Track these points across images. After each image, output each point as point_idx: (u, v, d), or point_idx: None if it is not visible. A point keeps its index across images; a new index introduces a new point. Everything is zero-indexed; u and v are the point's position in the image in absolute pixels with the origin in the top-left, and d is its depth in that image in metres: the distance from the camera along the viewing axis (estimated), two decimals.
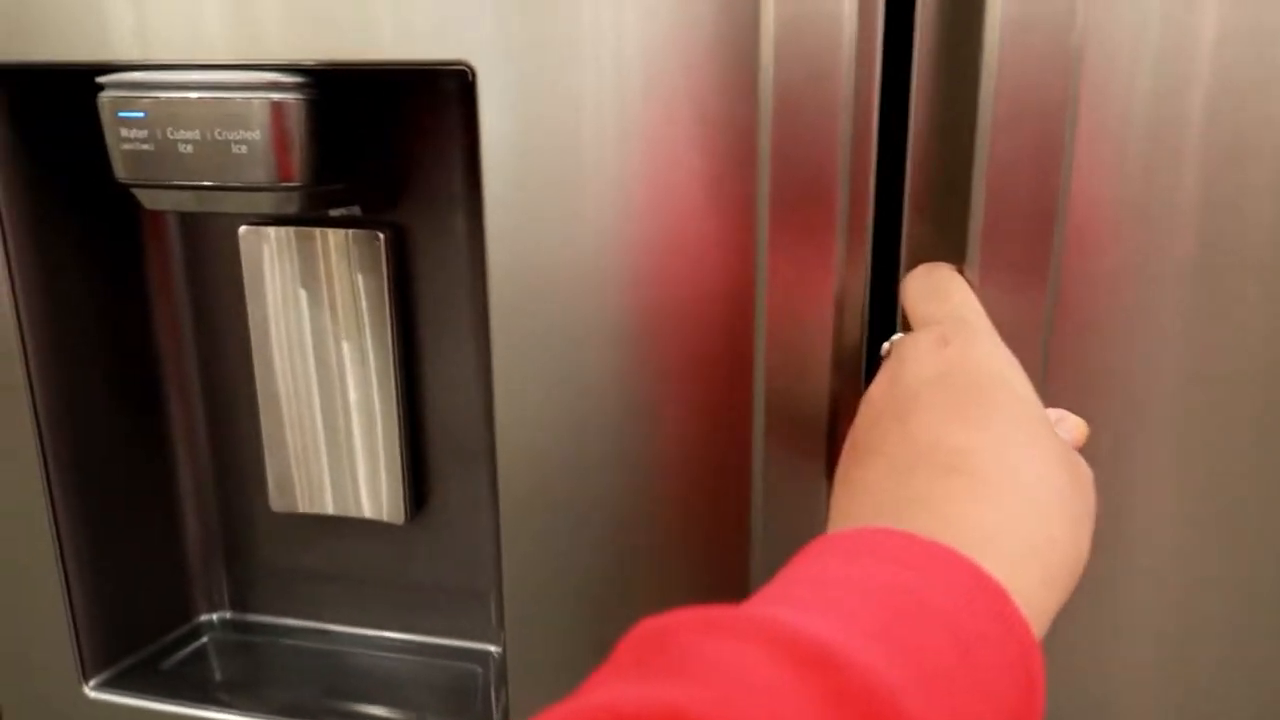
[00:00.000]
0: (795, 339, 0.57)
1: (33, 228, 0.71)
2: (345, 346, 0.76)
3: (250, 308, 0.77)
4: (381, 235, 0.73)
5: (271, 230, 0.75)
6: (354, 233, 0.74)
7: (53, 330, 0.73)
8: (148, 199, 0.64)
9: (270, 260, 0.75)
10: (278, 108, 0.60)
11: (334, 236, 0.74)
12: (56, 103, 0.71)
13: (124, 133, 0.62)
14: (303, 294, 0.76)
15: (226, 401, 0.82)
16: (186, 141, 0.61)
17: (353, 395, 0.77)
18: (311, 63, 0.59)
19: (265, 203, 0.62)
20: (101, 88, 0.63)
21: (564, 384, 0.62)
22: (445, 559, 0.82)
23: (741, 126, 0.54)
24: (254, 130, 0.60)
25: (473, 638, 0.83)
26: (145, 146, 0.62)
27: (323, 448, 0.79)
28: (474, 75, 0.58)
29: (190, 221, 0.78)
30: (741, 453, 0.62)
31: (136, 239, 0.78)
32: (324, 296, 0.75)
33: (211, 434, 0.83)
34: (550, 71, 0.58)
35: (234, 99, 0.60)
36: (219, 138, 0.60)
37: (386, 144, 0.72)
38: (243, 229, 0.75)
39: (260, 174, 0.61)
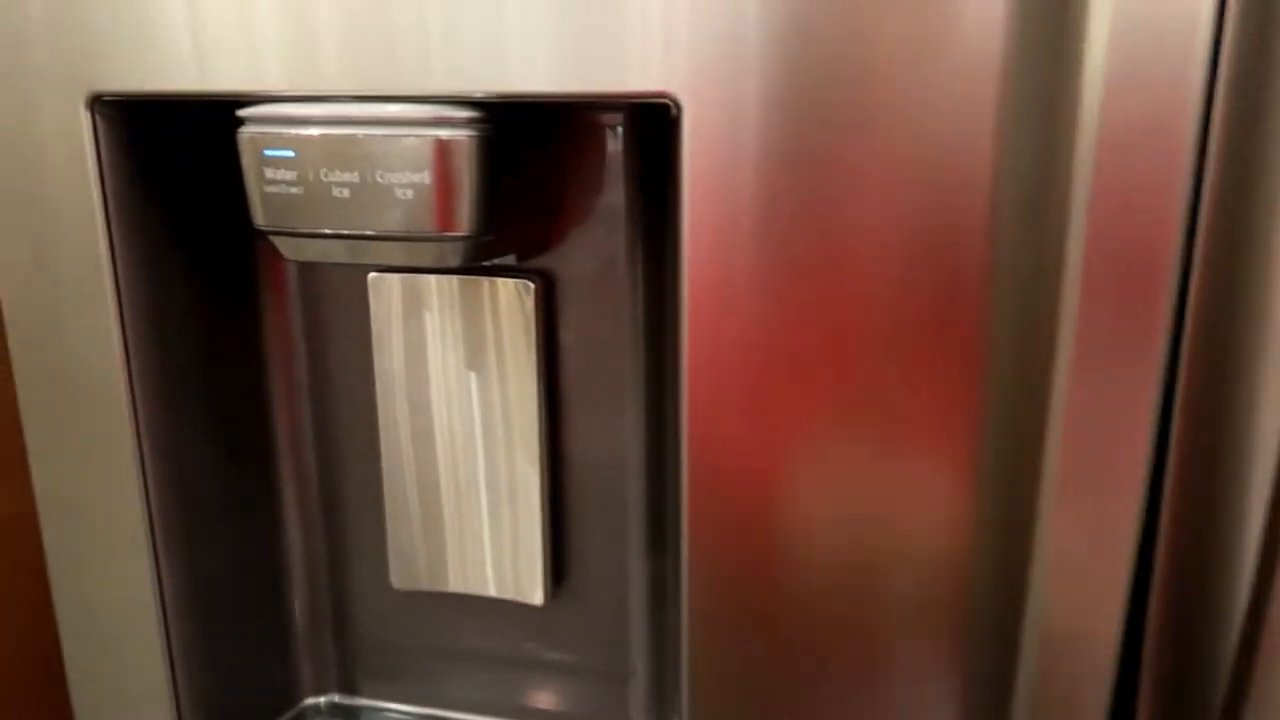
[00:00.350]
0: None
1: (146, 271, 0.63)
2: (484, 406, 0.68)
3: (376, 361, 0.69)
4: (532, 285, 0.65)
5: (403, 277, 0.67)
6: (500, 281, 0.66)
7: (161, 384, 0.65)
8: (290, 248, 0.56)
9: (402, 310, 0.68)
10: (449, 147, 0.52)
11: (477, 285, 0.66)
12: (177, 136, 0.63)
13: (269, 173, 0.54)
14: (438, 348, 0.68)
15: (344, 464, 0.74)
16: (343, 185, 0.53)
17: (491, 461, 0.69)
18: (486, 95, 0.51)
19: (427, 254, 0.55)
20: (241, 121, 0.55)
21: (770, 463, 0.53)
22: (584, 638, 0.74)
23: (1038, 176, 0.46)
24: (422, 172, 0.52)
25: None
26: (293, 190, 0.54)
27: (454, 518, 0.71)
28: (679, 109, 0.50)
29: (311, 264, 0.71)
30: (957, 559, 0.54)
31: (252, 282, 0.70)
32: (462, 351, 0.67)
33: (325, 499, 0.75)
34: (761, 106, 0.50)
35: (402, 136, 0.52)
36: (381, 181, 0.53)
37: (541, 187, 0.64)
38: (372, 275, 0.68)
39: (427, 222, 0.53)
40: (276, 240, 0.57)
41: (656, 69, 0.50)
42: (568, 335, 0.67)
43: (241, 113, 0.55)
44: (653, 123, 0.61)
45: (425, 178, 0.52)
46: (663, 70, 0.50)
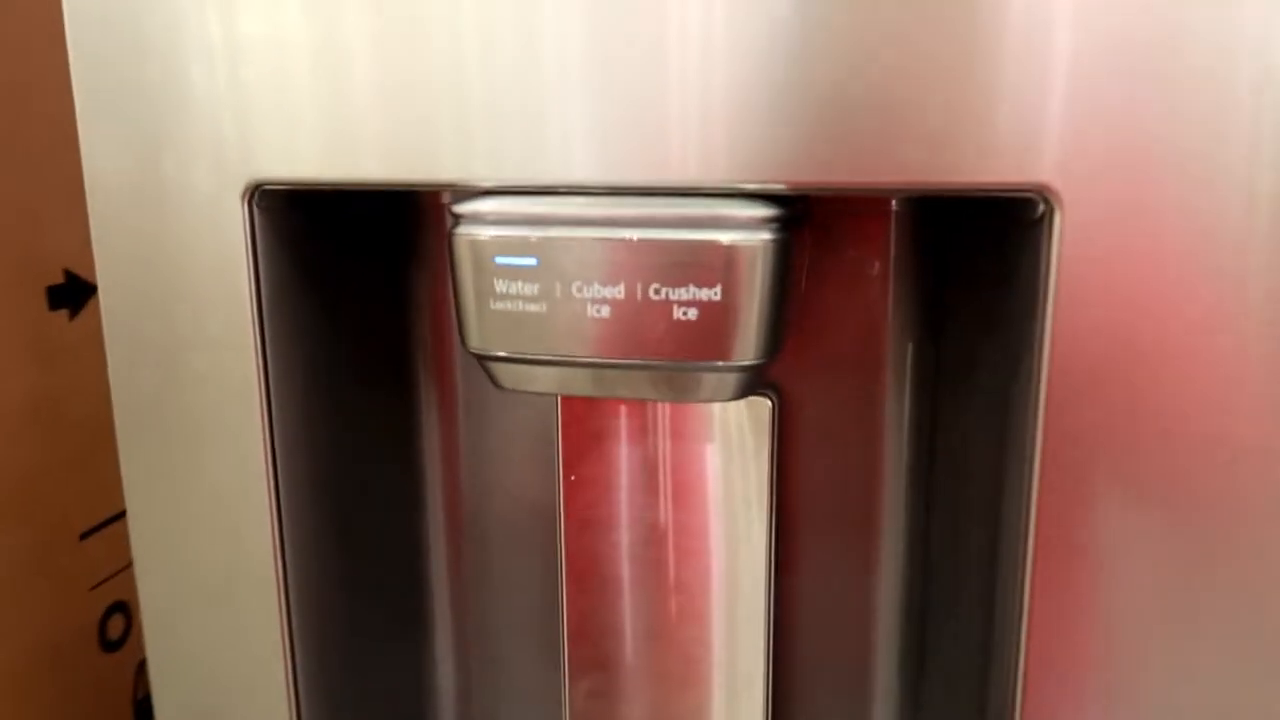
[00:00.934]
0: None
1: (302, 388, 0.51)
2: (696, 550, 0.56)
3: (562, 494, 0.57)
4: (770, 403, 0.54)
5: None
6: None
7: (306, 515, 0.52)
8: (512, 377, 0.45)
9: (598, 435, 0.56)
10: (748, 254, 0.40)
11: (693, 405, 0.55)
12: (342, 231, 0.52)
13: (500, 286, 0.42)
14: (641, 480, 0.56)
15: (506, 613, 0.62)
16: (601, 302, 0.41)
17: (701, 617, 0.57)
18: (801, 187, 0.40)
19: (697, 388, 0.43)
20: (458, 219, 0.43)
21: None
22: None
23: None
24: (714, 287, 0.40)
25: None
26: (532, 307, 0.42)
27: (649, 679, 0.58)
28: (1051, 206, 0.39)
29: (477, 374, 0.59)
30: None
31: (411, 409, 0.58)
32: (670, 484, 0.55)
33: (482, 657, 0.63)
34: (1154, 199, 0.39)
35: (690, 241, 0.40)
36: (655, 297, 0.41)
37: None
38: (565, 396, 0.56)
39: (710, 349, 0.41)
40: (496, 368, 0.45)
41: (1027, 156, 0.39)
42: (808, 460, 0.55)
43: (459, 208, 0.43)
44: (942, 216, 0.50)
45: (716, 293, 0.40)
46: (1035, 158, 0.39)
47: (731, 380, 0.43)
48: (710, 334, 0.41)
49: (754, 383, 0.44)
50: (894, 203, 0.51)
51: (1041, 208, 0.40)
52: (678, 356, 0.42)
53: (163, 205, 0.46)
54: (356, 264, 0.55)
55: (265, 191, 0.46)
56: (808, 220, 0.48)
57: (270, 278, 0.48)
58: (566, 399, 0.55)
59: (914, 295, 0.53)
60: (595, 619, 0.58)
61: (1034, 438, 0.41)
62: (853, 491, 0.55)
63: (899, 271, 0.51)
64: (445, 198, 0.55)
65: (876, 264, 0.52)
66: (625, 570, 0.57)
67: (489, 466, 0.60)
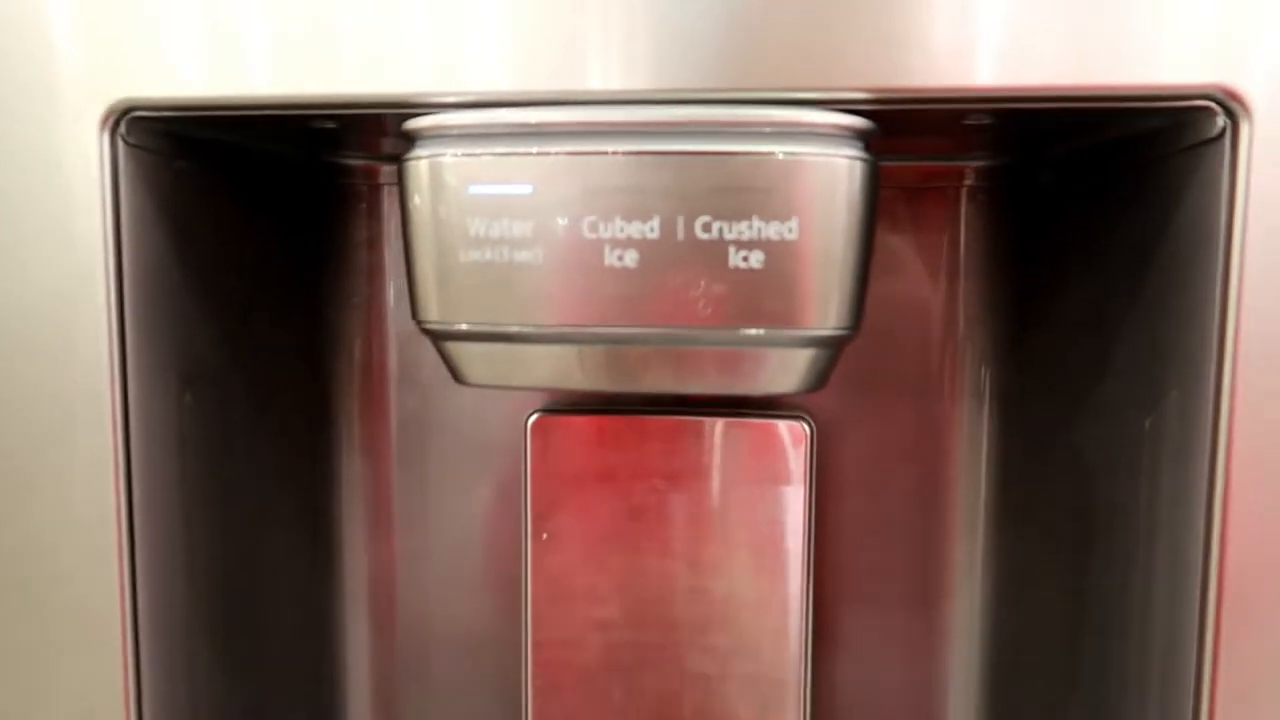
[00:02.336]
0: None
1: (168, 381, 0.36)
2: (708, 618, 0.42)
3: (531, 551, 0.43)
4: (806, 426, 0.41)
5: (591, 421, 0.42)
6: (747, 424, 0.41)
7: (174, 537, 0.37)
8: (483, 364, 0.31)
9: (580, 472, 0.42)
10: (838, 174, 0.28)
11: (708, 429, 0.42)
12: (236, 189, 0.38)
13: (477, 227, 0.29)
14: (637, 528, 0.42)
15: (455, 675, 0.46)
16: (625, 245, 0.29)
17: (711, 709, 0.43)
18: (904, 94, 0.29)
19: (759, 371, 0.30)
20: (413, 139, 0.31)
21: None
22: None
23: None
24: (787, 220, 0.28)
25: None
26: (523, 255, 0.29)
27: None
28: (1237, 116, 0.28)
29: (416, 403, 0.45)
30: None
31: (324, 424, 0.44)
32: (676, 531, 0.42)
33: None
34: None
35: (752, 156, 0.28)
36: (705, 236, 0.28)
37: None
38: (534, 418, 0.42)
39: (786, 308, 0.29)
40: (461, 353, 0.31)
41: (1199, 57, 0.29)
42: (855, 503, 0.43)
43: (415, 125, 0.30)
44: (1032, 181, 0.40)
45: (791, 229, 0.28)
46: (1211, 59, 0.29)
47: (804, 361, 0.30)
48: (781, 288, 0.29)
49: (826, 371, 0.32)
50: (968, 176, 0.41)
51: (1222, 122, 0.29)
52: (735, 322, 0.29)
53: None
54: (258, 250, 0.41)
55: (135, 119, 0.32)
56: None
57: (139, 248, 0.34)
58: (539, 423, 0.41)
59: (993, 296, 0.41)
60: (575, 692, 0.44)
61: (1213, 461, 0.29)
62: (914, 544, 0.42)
63: (972, 266, 0.40)
64: (383, 145, 0.42)
65: (942, 250, 0.40)
66: (611, 659, 0.43)
67: (430, 521, 0.45)
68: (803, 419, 0.41)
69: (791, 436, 0.41)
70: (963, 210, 0.41)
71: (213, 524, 0.38)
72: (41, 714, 0.34)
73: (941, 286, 0.42)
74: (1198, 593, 0.30)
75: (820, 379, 0.32)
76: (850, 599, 0.43)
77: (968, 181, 0.42)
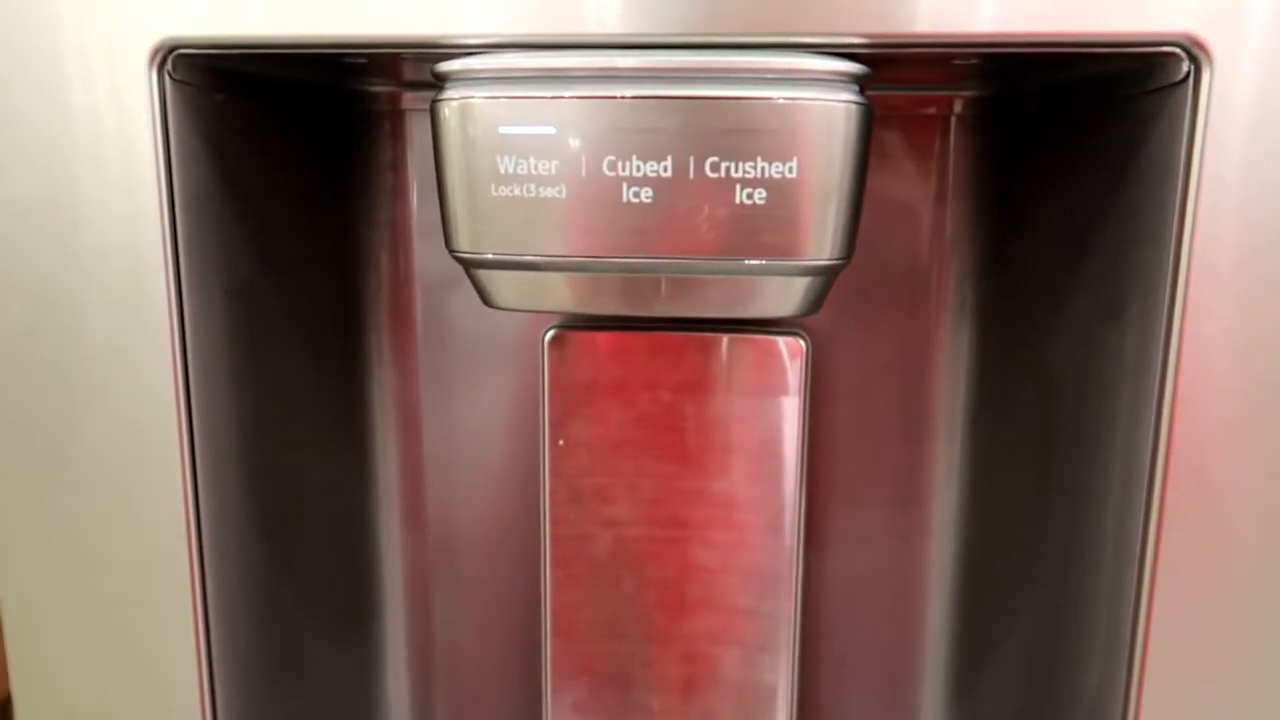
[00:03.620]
0: None
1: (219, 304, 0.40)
2: (710, 518, 0.47)
3: (548, 456, 0.47)
4: (803, 343, 0.45)
5: (603, 336, 0.45)
6: (749, 339, 0.45)
7: (234, 489, 0.41)
8: (516, 292, 0.34)
9: (594, 384, 0.46)
10: (836, 118, 0.31)
11: (711, 344, 0.45)
12: (279, 123, 0.41)
13: (505, 165, 0.32)
14: (646, 437, 0.46)
15: (476, 607, 0.51)
16: (641, 183, 0.32)
17: (711, 598, 0.47)
18: (893, 39, 0.31)
19: (760, 299, 0.34)
20: (444, 80, 0.33)
21: None
22: None
23: None
24: (789, 160, 0.31)
25: None
26: (549, 192, 0.32)
27: (648, 686, 0.49)
28: (1199, 62, 0.31)
29: (442, 315, 0.48)
30: None
31: (354, 335, 0.47)
32: (682, 439, 0.46)
33: (447, 662, 0.52)
34: None
35: (758, 101, 0.31)
36: (712, 175, 0.31)
37: None
38: (550, 333, 0.46)
39: (787, 239, 0.32)
40: (491, 279, 0.34)
41: (1166, 5, 0.31)
42: (846, 413, 0.46)
43: (446, 67, 0.33)
44: (1015, 110, 0.42)
45: (791, 169, 0.31)
46: (1177, 7, 0.31)
47: (801, 288, 0.34)
48: (782, 222, 0.32)
49: (821, 296, 0.35)
50: (957, 104, 0.43)
51: (1186, 67, 0.32)
52: (740, 253, 0.32)
53: (45, 82, 0.34)
54: (292, 174, 0.44)
55: (181, 56, 0.35)
56: None
57: (187, 176, 0.37)
58: (556, 338, 0.45)
59: (976, 218, 0.44)
60: (584, 614, 0.48)
61: (1163, 372, 0.33)
62: (900, 448, 0.46)
63: (958, 189, 0.43)
64: (407, 72, 0.45)
65: (931, 174, 0.43)
66: (622, 553, 0.47)
67: (454, 427, 0.49)
68: (799, 335, 0.45)
69: (789, 351, 0.45)
70: (952, 136, 0.44)
71: (260, 426, 0.42)
72: (116, 605, 0.38)
73: (930, 208, 0.45)
74: (1144, 493, 0.34)
75: (815, 303, 0.35)
76: (839, 499, 0.47)
77: (957, 109, 0.44)
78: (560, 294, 0.34)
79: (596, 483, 0.47)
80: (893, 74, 0.42)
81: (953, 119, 0.44)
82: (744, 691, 0.48)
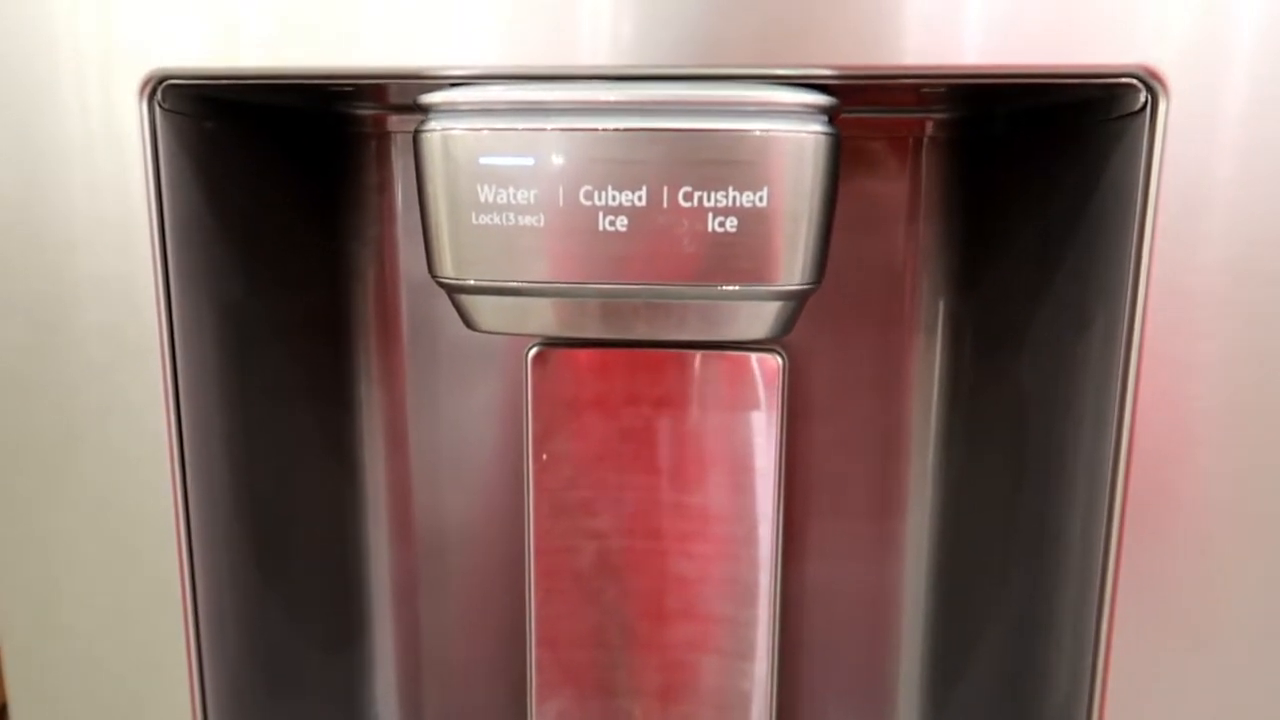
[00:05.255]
0: None
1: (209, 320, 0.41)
2: (690, 531, 0.48)
3: (532, 470, 0.48)
4: (780, 360, 0.46)
5: (585, 354, 0.47)
6: (727, 357, 0.46)
7: (224, 507, 0.42)
8: (497, 315, 0.36)
9: (577, 400, 0.47)
10: (805, 148, 0.32)
11: (691, 361, 0.46)
12: (265, 150, 0.42)
13: (486, 194, 0.33)
14: (627, 451, 0.47)
15: (464, 618, 0.52)
16: (618, 211, 0.33)
17: (691, 610, 0.48)
18: (861, 73, 0.32)
19: (734, 323, 0.35)
20: (428, 111, 0.34)
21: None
22: None
23: None
24: (759, 190, 0.32)
25: None
26: (528, 220, 0.33)
27: (630, 694, 0.50)
28: (1156, 92, 0.32)
29: (429, 332, 0.49)
30: None
31: (343, 353, 0.48)
32: (663, 454, 0.47)
33: (437, 672, 0.53)
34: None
35: (729, 133, 0.32)
36: (685, 204, 0.33)
37: None
38: (534, 351, 0.47)
39: (758, 266, 0.33)
40: (473, 304, 0.36)
41: (1126, 40, 0.32)
42: (821, 430, 0.48)
43: (429, 99, 0.34)
44: (985, 138, 0.44)
45: (761, 198, 0.32)
46: (1136, 41, 0.32)
47: (772, 311, 0.35)
48: (753, 249, 0.33)
49: (793, 319, 0.36)
50: (928, 125, 0.44)
51: (1144, 97, 0.33)
52: (712, 279, 0.33)
53: (40, 111, 0.35)
54: (280, 196, 0.45)
55: (169, 87, 0.36)
56: None
57: (177, 201, 0.38)
58: (539, 355, 0.46)
59: (948, 236, 0.46)
60: (568, 624, 0.49)
61: (1125, 386, 0.34)
62: (874, 461, 0.47)
63: (930, 209, 0.44)
64: (392, 95, 0.46)
65: (904, 194, 0.44)
66: (604, 564, 0.49)
67: (441, 442, 0.50)
68: (776, 352, 0.46)
69: (765, 368, 0.46)
70: (924, 157, 0.45)
71: (250, 441, 0.43)
72: (109, 617, 0.39)
73: (903, 227, 0.46)
74: (1106, 507, 0.35)
75: (787, 326, 0.36)
76: (817, 512, 0.48)
77: (929, 132, 0.45)
78: (540, 318, 0.35)
79: (579, 496, 0.48)
80: (866, 98, 0.44)
81: (925, 140, 0.45)
82: (723, 699, 0.49)
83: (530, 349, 0.47)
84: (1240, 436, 0.34)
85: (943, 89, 0.38)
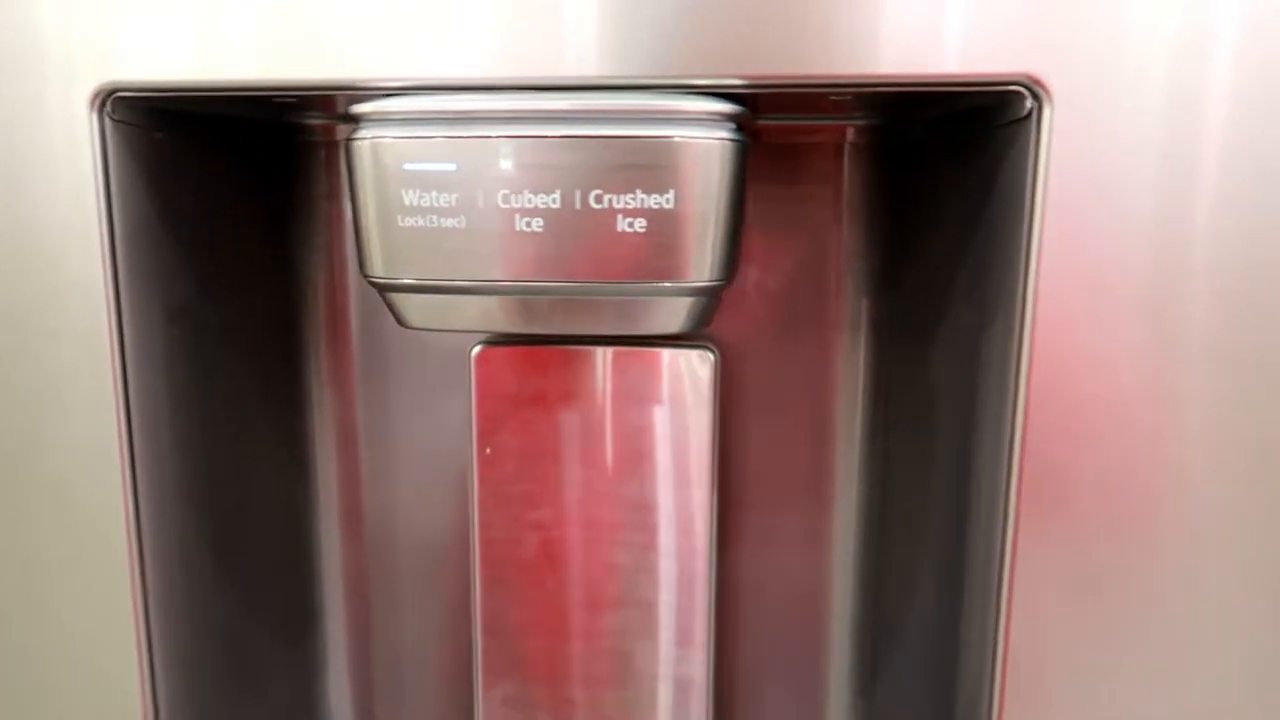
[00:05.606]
0: None
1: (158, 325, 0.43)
2: (633, 514, 0.50)
3: (477, 466, 0.50)
4: (712, 356, 0.48)
5: (521, 349, 0.49)
6: (669, 352, 0.48)
7: (176, 504, 0.44)
8: (425, 313, 0.38)
9: (517, 392, 0.49)
10: (708, 154, 0.35)
11: (627, 359, 0.48)
12: (214, 160, 0.44)
13: (411, 198, 0.35)
14: (570, 441, 0.49)
15: (414, 611, 0.54)
16: (533, 213, 0.35)
17: (631, 600, 0.50)
18: (760, 83, 0.35)
19: (649, 318, 0.37)
20: (358, 121, 0.36)
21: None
22: None
23: None
24: (666, 193, 0.35)
25: None
26: (450, 222, 0.35)
27: (574, 681, 0.52)
28: (1040, 98, 0.35)
29: (377, 330, 0.51)
30: None
31: (294, 352, 0.50)
32: (602, 449, 0.49)
33: (386, 663, 0.55)
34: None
35: (638, 139, 0.34)
36: (596, 206, 0.35)
37: None
38: (477, 350, 0.49)
39: (665, 266, 0.35)
40: (403, 301, 0.38)
41: (1016, 50, 0.35)
42: (753, 423, 0.50)
43: (359, 108, 0.36)
44: (902, 144, 0.46)
45: (668, 200, 0.34)
46: (1025, 52, 0.35)
47: (684, 307, 0.37)
48: (662, 248, 0.35)
49: (707, 314, 0.38)
50: (850, 131, 0.47)
51: (1030, 103, 0.35)
52: (624, 276, 0.35)
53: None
54: (230, 203, 0.47)
55: (119, 99, 0.38)
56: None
57: (127, 208, 0.40)
58: (482, 354, 0.48)
59: (870, 238, 0.48)
60: (513, 613, 0.51)
61: (1018, 378, 0.36)
62: (803, 455, 0.50)
63: (853, 212, 0.46)
64: (340, 106, 0.48)
65: (828, 199, 0.47)
66: (546, 554, 0.51)
67: (391, 440, 0.52)
68: (709, 348, 0.48)
69: (699, 363, 0.48)
70: (846, 162, 0.47)
71: (201, 442, 0.45)
72: (60, 616, 0.41)
73: (828, 229, 0.48)
74: (1004, 492, 0.37)
75: (701, 320, 0.38)
76: (751, 503, 0.51)
77: (850, 138, 0.48)
78: (465, 315, 0.37)
79: (521, 489, 0.50)
80: (787, 105, 0.46)
81: (846, 146, 0.47)
82: (664, 684, 0.51)
83: (474, 348, 0.49)
84: (1125, 420, 0.36)
85: (851, 97, 0.41)
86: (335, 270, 0.51)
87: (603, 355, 0.49)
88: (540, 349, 0.49)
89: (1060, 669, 0.38)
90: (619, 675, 0.51)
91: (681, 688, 0.51)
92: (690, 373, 0.48)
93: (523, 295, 0.36)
